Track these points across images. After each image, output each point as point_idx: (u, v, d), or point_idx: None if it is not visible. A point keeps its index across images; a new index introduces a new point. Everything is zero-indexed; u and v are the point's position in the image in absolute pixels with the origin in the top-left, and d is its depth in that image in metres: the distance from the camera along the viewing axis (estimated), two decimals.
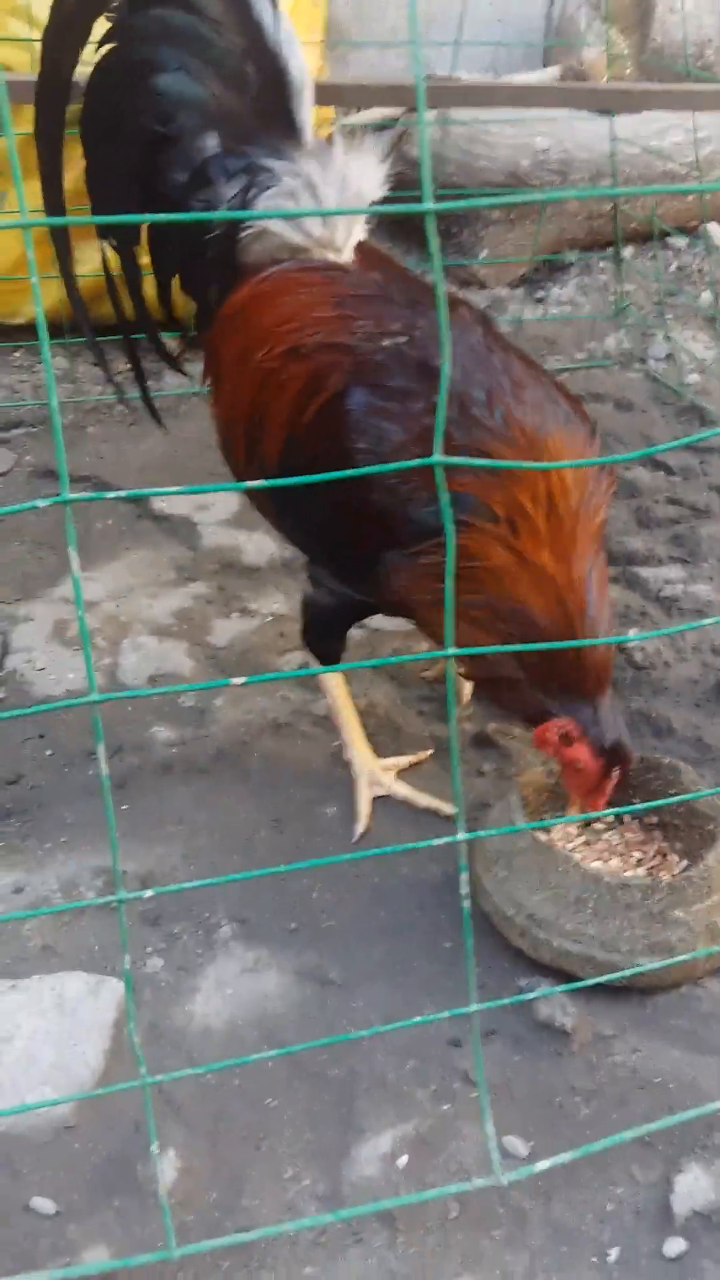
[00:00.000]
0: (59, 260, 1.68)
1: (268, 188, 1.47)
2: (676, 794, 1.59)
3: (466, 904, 1.12)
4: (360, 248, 1.55)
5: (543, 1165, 1.16)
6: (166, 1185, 1.18)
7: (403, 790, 1.70)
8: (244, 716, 1.85)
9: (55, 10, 1.50)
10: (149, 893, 1.02)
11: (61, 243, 1.66)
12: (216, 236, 1.51)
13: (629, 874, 1.53)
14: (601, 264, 3.47)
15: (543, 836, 1.48)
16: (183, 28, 1.47)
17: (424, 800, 1.69)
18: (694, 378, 3.11)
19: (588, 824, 1.60)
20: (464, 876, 1.12)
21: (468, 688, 1.91)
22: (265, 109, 1.50)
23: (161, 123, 1.51)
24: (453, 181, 3.18)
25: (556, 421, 1.43)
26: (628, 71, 3.37)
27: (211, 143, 1.51)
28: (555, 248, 3.40)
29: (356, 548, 1.48)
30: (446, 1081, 1.31)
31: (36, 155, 1.59)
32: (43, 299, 0.80)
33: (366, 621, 2.11)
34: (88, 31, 1.52)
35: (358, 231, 1.53)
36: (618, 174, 3.16)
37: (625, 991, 1.41)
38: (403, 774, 1.74)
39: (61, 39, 1.51)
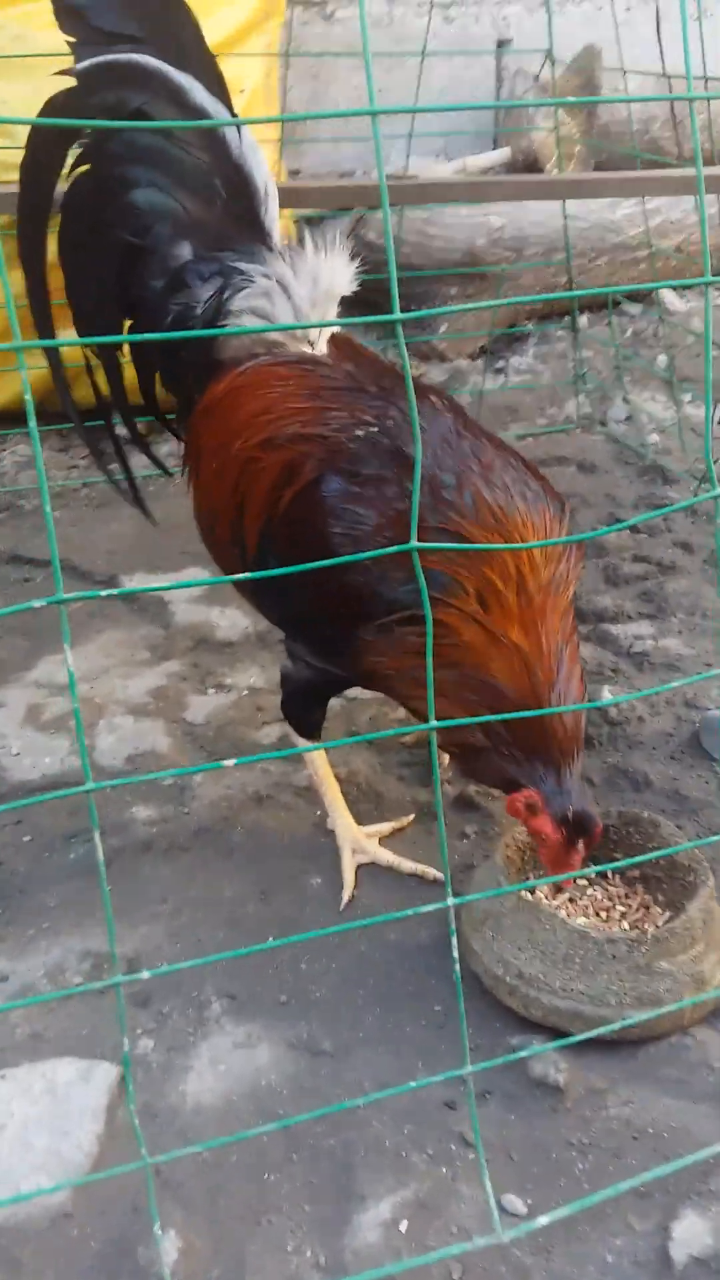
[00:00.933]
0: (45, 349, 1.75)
1: (242, 288, 1.54)
2: (656, 848, 1.62)
3: (457, 968, 1.14)
4: (333, 339, 1.62)
5: (542, 1220, 1.16)
6: (169, 1267, 1.17)
7: (387, 857, 1.71)
8: (224, 791, 1.87)
9: (31, 141, 1.57)
10: (145, 974, 1.03)
11: (45, 328, 1.71)
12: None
13: (614, 928, 1.55)
14: (559, 333, 3.59)
15: (528, 895, 1.50)
16: (151, 147, 1.56)
17: (409, 865, 1.71)
18: (654, 438, 3.20)
19: (570, 882, 1.62)
20: (454, 941, 1.14)
21: (446, 756, 1.94)
22: (234, 216, 1.58)
23: (136, 235, 1.59)
24: (410, 263, 3.29)
25: (525, 501, 1.48)
26: (576, 150, 3.52)
27: (185, 251, 1.59)
28: (512, 319, 3.51)
29: (332, 625, 1.52)
30: (443, 1144, 1.31)
31: (24, 273, 1.66)
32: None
33: (345, 691, 2.14)
34: (63, 158, 1.60)
35: (329, 330, 1.60)
36: (571, 248, 3.28)
37: (616, 1044, 1.42)
38: (386, 840, 1.76)
39: (38, 167, 1.59)
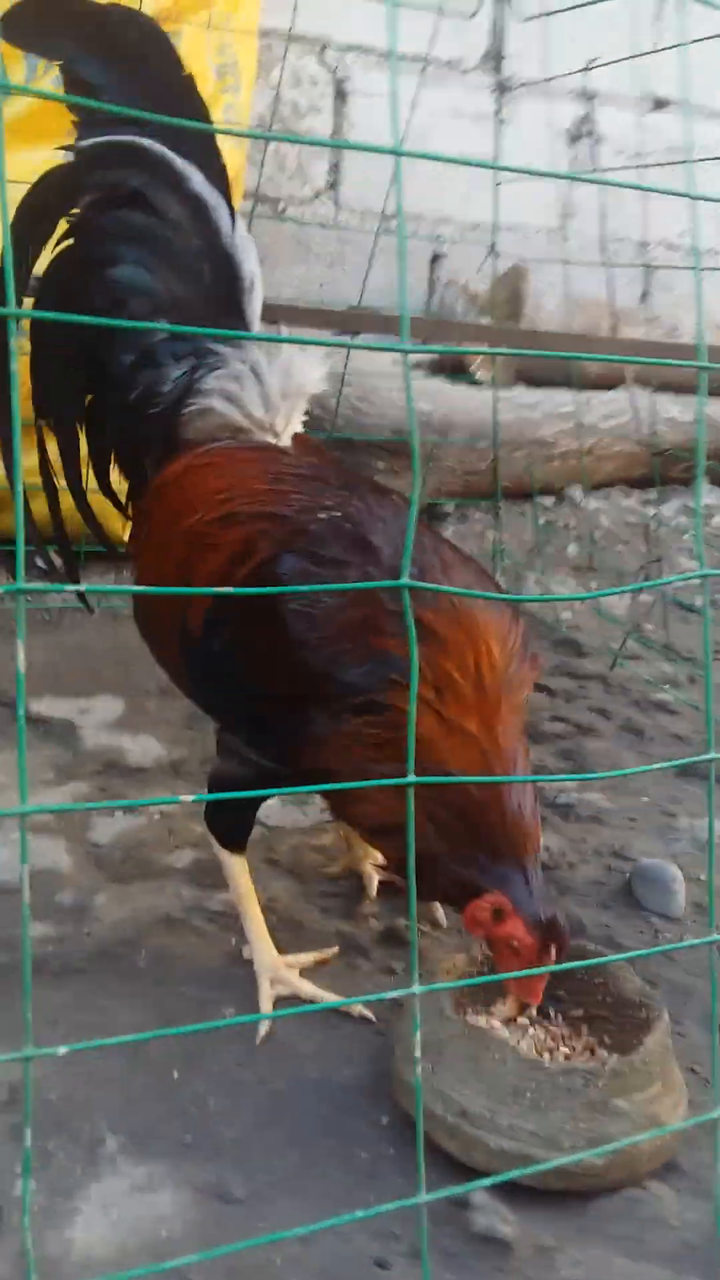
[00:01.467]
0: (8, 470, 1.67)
1: (215, 369, 1.52)
2: (603, 983, 1.51)
3: (419, 1071, 1.00)
4: (298, 438, 1.61)
5: None
6: None
7: (309, 989, 1.55)
8: (129, 914, 1.69)
9: (23, 206, 1.56)
10: (62, 1049, 0.86)
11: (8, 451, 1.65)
12: (159, 412, 1.54)
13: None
14: (476, 514, 3.70)
15: (477, 1021, 1.36)
16: (142, 228, 1.56)
17: (332, 999, 1.54)
18: (566, 615, 3.27)
19: (512, 1019, 1.48)
20: (416, 1038, 1.00)
21: (374, 883, 1.81)
22: (215, 302, 1.58)
23: (113, 309, 1.57)
24: (343, 433, 3.39)
25: (484, 602, 1.45)
26: (504, 358, 3.74)
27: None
28: (436, 493, 3.63)
29: (278, 709, 1.43)
30: None
31: None
32: None
33: (263, 817, 2.01)
34: (51, 231, 1.59)
35: (296, 421, 1.59)
36: (497, 437, 3.44)
37: (563, 1196, 1.26)
38: (308, 973, 1.60)
39: (22, 240, 1.57)
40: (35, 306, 1.60)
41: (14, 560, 2.01)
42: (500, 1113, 1.26)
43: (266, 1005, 1.51)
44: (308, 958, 1.62)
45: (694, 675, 2.88)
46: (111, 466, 1.72)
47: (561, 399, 3.67)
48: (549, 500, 3.83)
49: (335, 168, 3.89)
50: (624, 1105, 1.27)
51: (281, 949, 1.61)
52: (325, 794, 1.54)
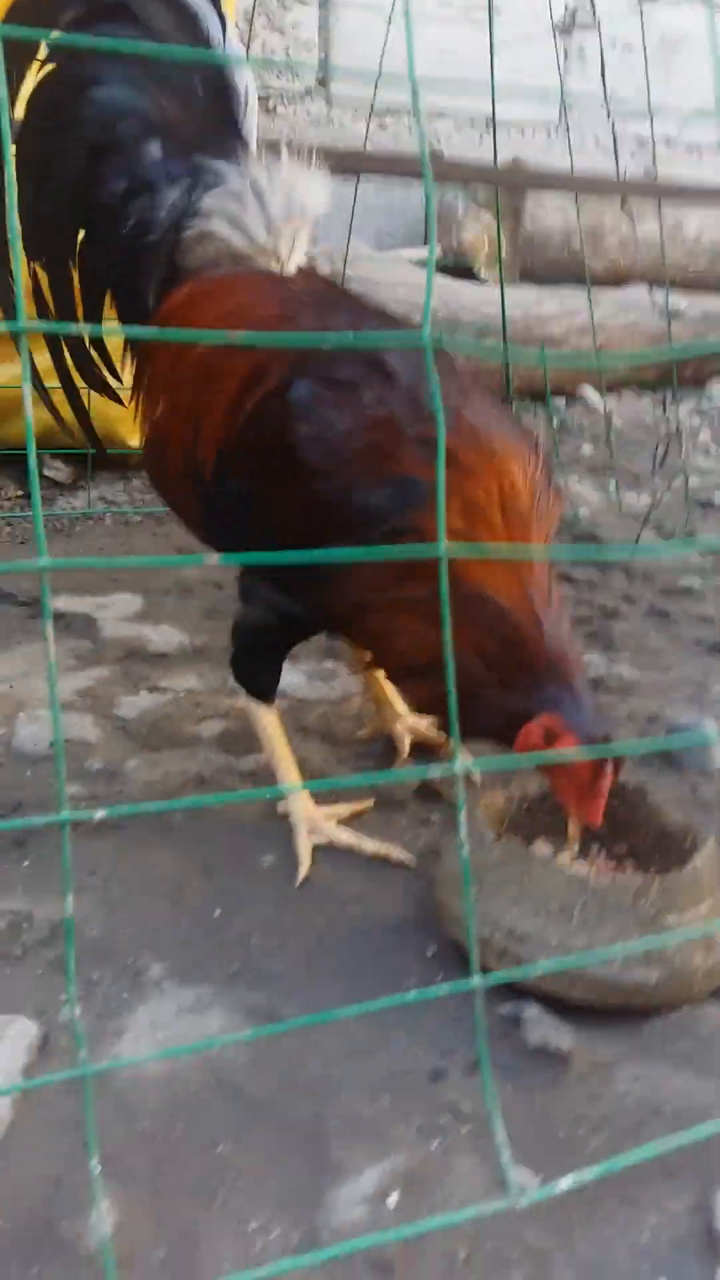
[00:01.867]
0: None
1: (213, 187, 1.45)
2: (646, 817, 1.48)
3: (465, 852, 0.97)
4: (302, 269, 1.55)
5: (564, 1183, 0.95)
6: (102, 1241, 0.92)
7: (346, 837, 1.53)
8: (160, 777, 1.67)
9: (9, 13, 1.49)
10: (99, 813, 0.83)
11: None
12: (155, 240, 1.48)
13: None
14: None
15: (518, 844, 1.33)
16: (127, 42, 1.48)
17: (371, 846, 1.52)
18: (584, 511, 3.22)
19: (570, 846, 1.45)
20: (462, 817, 0.97)
21: (406, 743, 1.78)
22: (211, 119, 1.51)
23: (102, 132, 1.50)
24: None
25: (503, 427, 1.41)
26: (505, 251, 3.66)
27: (154, 150, 1.50)
28: None
29: (298, 545, 1.38)
30: (431, 1117, 1.10)
31: None
32: None
33: (290, 690, 1.98)
34: (34, 52, 1.52)
35: (300, 248, 1.53)
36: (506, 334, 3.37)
37: (619, 1015, 1.25)
38: (343, 824, 1.58)
39: (6, 59, 1.51)
40: (20, 136, 1.53)
41: (22, 467, 1.96)
42: (549, 931, 1.24)
43: (305, 853, 1.49)
44: (343, 809, 1.59)
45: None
46: (108, 309, 1.65)
47: (569, 294, 3.60)
48: (560, 401, 3.77)
49: (325, 63, 3.79)
50: (676, 921, 1.25)
51: (316, 804, 1.59)
52: (356, 636, 1.50)
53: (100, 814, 0.84)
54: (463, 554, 1.31)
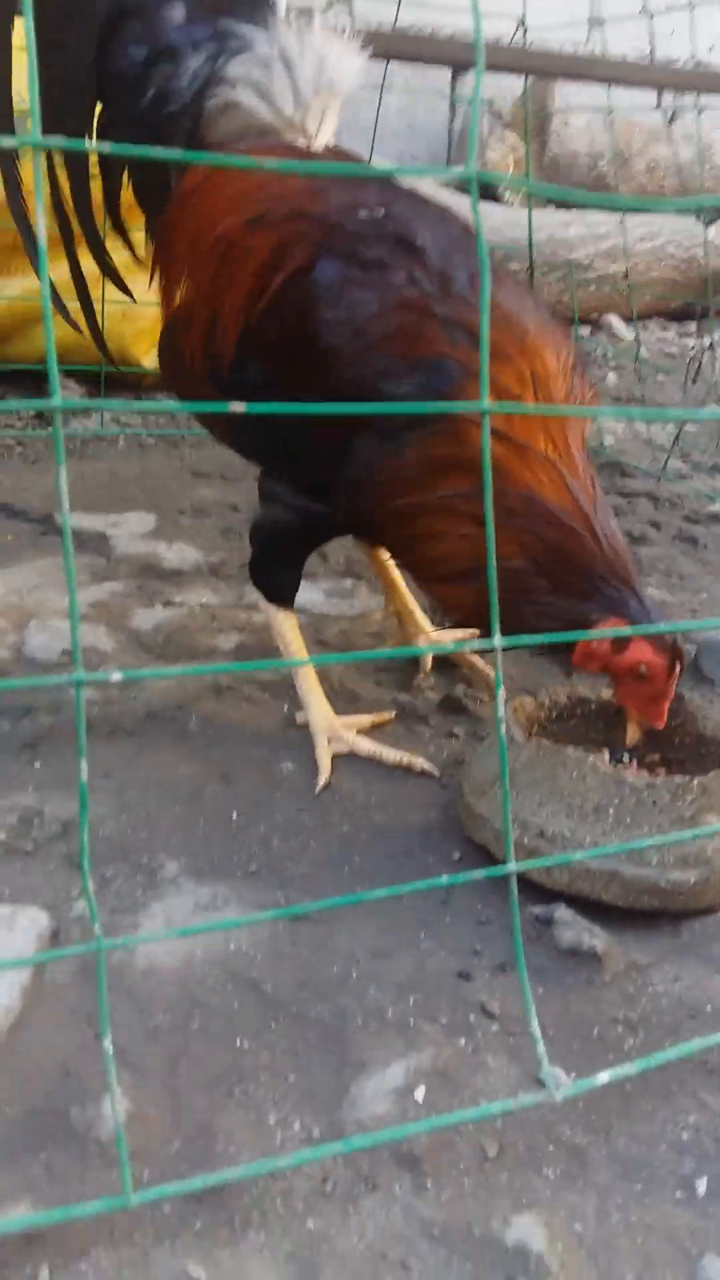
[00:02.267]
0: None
1: (239, 53, 1.36)
2: (680, 724, 1.42)
3: (502, 730, 0.91)
4: (330, 148, 1.46)
5: (603, 1077, 0.91)
6: (114, 1130, 0.88)
7: (367, 746, 1.47)
8: (175, 684, 1.61)
9: None
10: (115, 674, 0.78)
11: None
12: (177, 111, 1.39)
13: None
14: None
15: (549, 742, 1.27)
16: None
17: (393, 755, 1.47)
18: (609, 440, 3.13)
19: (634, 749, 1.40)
20: (499, 695, 0.91)
21: (428, 663, 1.72)
22: None
23: None
24: None
25: (534, 312, 1.33)
26: (531, 174, 3.54)
27: (176, 12, 1.40)
28: None
29: (322, 441, 1.31)
30: (459, 1015, 1.05)
31: None
32: None
33: (309, 607, 1.92)
34: None
35: (330, 126, 1.43)
36: (533, 258, 3.26)
37: (655, 919, 1.19)
38: (364, 735, 1.52)
39: None
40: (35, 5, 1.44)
41: (32, 386, 1.86)
42: (582, 832, 1.19)
43: (325, 761, 1.43)
44: (364, 719, 1.53)
45: None
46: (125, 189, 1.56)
47: (596, 219, 3.48)
48: (586, 330, 3.66)
49: None
50: (716, 821, 1.19)
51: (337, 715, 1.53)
52: (388, 542, 1.42)
53: (116, 676, 0.78)
54: (504, 410, 1.23)
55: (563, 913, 1.16)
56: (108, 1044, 0.79)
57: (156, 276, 1.48)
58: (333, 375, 1.27)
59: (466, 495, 1.25)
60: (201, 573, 2.08)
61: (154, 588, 1.98)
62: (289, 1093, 0.95)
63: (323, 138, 1.43)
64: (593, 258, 3.47)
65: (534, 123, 3.54)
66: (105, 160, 1.51)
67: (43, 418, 2.82)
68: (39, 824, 1.24)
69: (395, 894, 0.90)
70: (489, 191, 3.55)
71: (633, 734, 1.29)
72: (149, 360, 2.77)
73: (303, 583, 1.55)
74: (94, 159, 1.56)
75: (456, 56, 2.36)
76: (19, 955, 1.03)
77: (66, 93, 1.45)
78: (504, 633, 1.36)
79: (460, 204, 3.38)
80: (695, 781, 1.20)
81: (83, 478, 2.53)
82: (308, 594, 1.97)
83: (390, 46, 2.15)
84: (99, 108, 1.49)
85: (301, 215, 1.30)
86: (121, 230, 1.63)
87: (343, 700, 1.61)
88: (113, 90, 1.45)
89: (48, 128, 1.48)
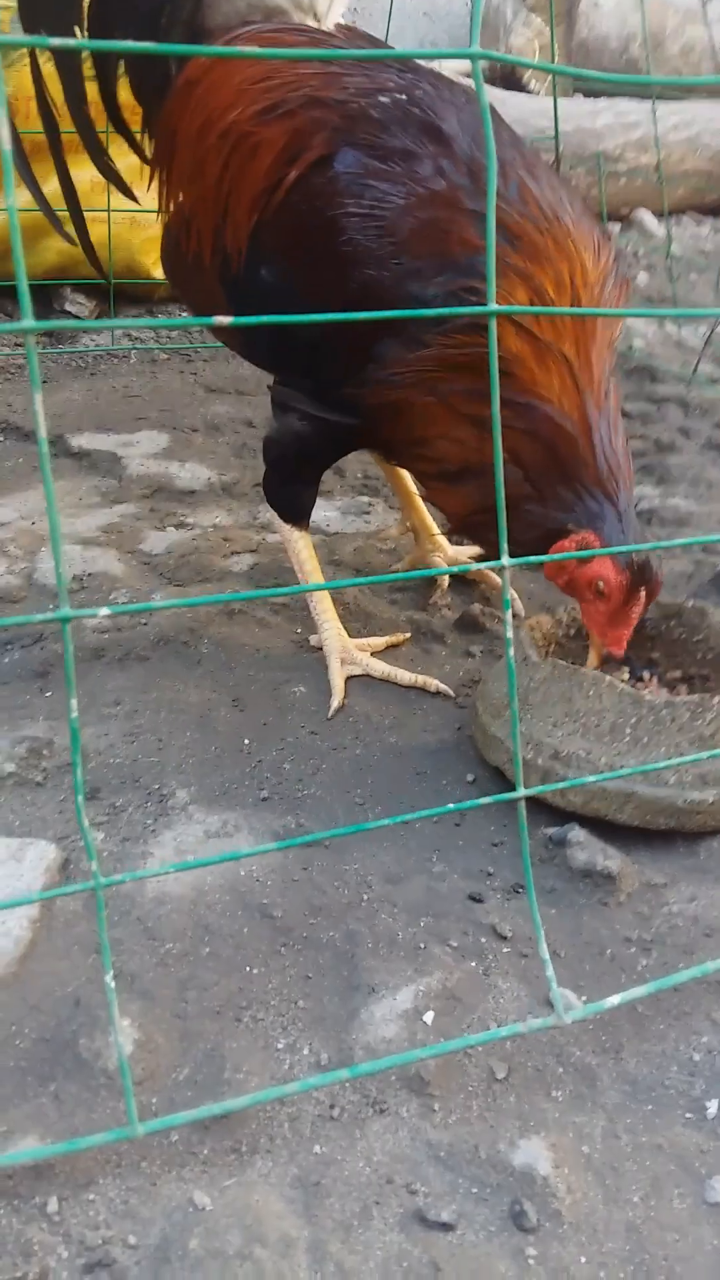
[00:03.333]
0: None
1: None
2: (702, 640, 1.38)
3: (509, 633, 0.88)
4: (343, 27, 1.36)
5: (613, 1000, 0.90)
6: (123, 1059, 0.88)
7: (381, 668, 1.45)
8: (187, 609, 1.59)
9: None
10: (102, 610, 0.76)
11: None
12: None
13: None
14: None
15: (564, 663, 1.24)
16: None
17: (407, 677, 1.44)
18: (639, 344, 3.02)
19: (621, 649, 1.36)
20: (508, 613, 0.88)
21: (444, 580, 1.69)
22: None
23: None
24: None
25: (572, 207, 1.25)
26: (557, 60, 3.36)
27: None
28: None
29: (342, 346, 1.25)
30: (471, 937, 1.04)
31: None
32: None
33: (324, 525, 1.89)
34: None
35: (340, 3, 1.34)
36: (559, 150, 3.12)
37: (670, 838, 1.17)
38: (379, 656, 1.50)
39: None
40: None
41: (39, 302, 1.79)
42: (598, 752, 1.16)
43: (338, 683, 1.41)
44: (379, 641, 1.51)
45: None
46: (121, 87, 1.47)
47: (626, 107, 3.31)
48: (615, 227, 3.51)
49: None
50: None
51: (351, 637, 1.51)
52: (393, 440, 1.38)
53: (104, 611, 0.76)
54: (517, 312, 1.18)
55: (576, 833, 1.14)
56: (109, 979, 0.79)
57: (157, 176, 1.41)
58: (356, 275, 1.21)
59: (467, 394, 1.20)
60: (215, 492, 2.04)
61: (166, 509, 1.95)
62: (298, 1018, 0.95)
63: (333, 17, 1.34)
64: (623, 149, 3.31)
65: (561, 4, 3.34)
66: (98, 56, 1.43)
67: (52, 335, 2.76)
68: (49, 754, 1.24)
69: (405, 821, 0.88)
70: (514, 80, 3.38)
71: (592, 659, 1.24)
72: (159, 270, 2.69)
73: (319, 500, 1.51)
74: (86, 55, 1.48)
75: None
76: (28, 887, 1.03)
77: None
78: (487, 538, 1.33)
79: (489, 92, 3.23)
80: (716, 699, 1.17)
81: (95, 396, 2.48)
82: (323, 512, 1.93)
83: None
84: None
85: (318, 102, 1.22)
86: (126, 132, 1.54)
87: (357, 621, 1.58)
88: None
89: (30, 20, 1.40)
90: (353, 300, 1.21)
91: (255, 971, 0.99)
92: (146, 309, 2.81)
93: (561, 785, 0.89)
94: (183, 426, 2.31)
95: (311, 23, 1.32)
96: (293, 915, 1.05)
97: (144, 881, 1.07)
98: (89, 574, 1.67)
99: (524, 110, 3.18)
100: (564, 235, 1.21)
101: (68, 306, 2.73)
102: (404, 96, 1.21)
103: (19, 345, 2.78)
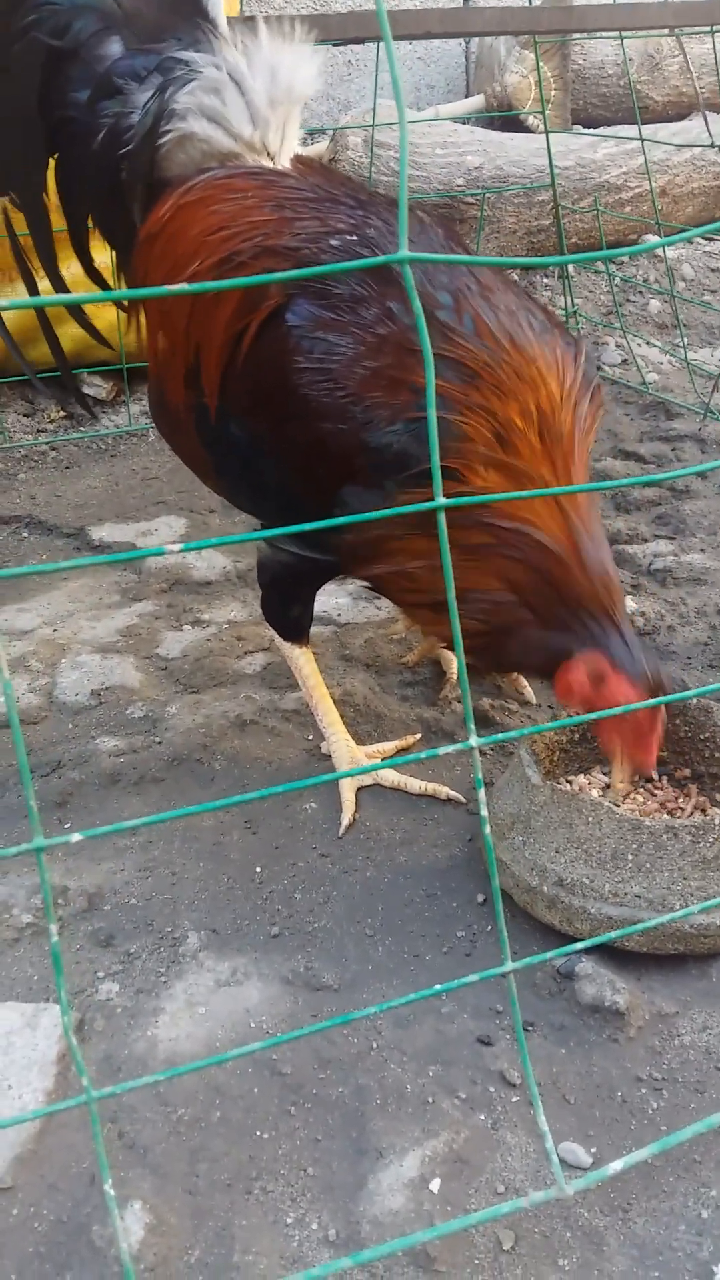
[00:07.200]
0: None
1: (187, 82, 1.29)
2: (709, 738, 1.37)
3: (486, 827, 0.89)
4: (298, 158, 1.38)
5: (615, 1167, 0.90)
6: (133, 1247, 0.90)
7: (392, 776, 1.46)
8: (202, 721, 1.62)
9: None
10: (75, 836, 0.78)
11: None
12: (132, 151, 1.33)
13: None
14: (544, 279, 3.39)
15: (566, 785, 1.24)
16: None
17: (417, 785, 1.45)
18: (653, 377, 2.99)
19: (627, 790, 1.36)
20: (481, 793, 0.88)
21: (454, 666, 1.69)
22: (172, 3, 1.35)
23: (54, 36, 1.34)
24: None
25: (533, 330, 1.25)
26: (553, 93, 3.34)
27: (114, 48, 1.34)
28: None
29: (308, 493, 1.27)
30: (479, 1086, 1.05)
31: None
32: None
33: (334, 614, 1.90)
34: None
35: (292, 137, 1.36)
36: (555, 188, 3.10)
37: (680, 962, 1.17)
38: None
39: None
40: None
41: (53, 389, 1.85)
42: (601, 878, 1.16)
43: (348, 798, 1.43)
44: (388, 746, 1.52)
45: None
46: (92, 238, 1.51)
47: (627, 133, 3.28)
48: (624, 255, 3.48)
49: None
50: None
51: (362, 740, 1.52)
52: (375, 580, 1.38)
53: (76, 837, 0.77)
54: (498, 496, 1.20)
55: (584, 965, 1.15)
56: (109, 1189, 0.81)
57: (134, 322, 1.44)
58: (314, 428, 1.22)
59: (454, 543, 1.20)
60: (230, 581, 2.07)
61: (184, 604, 1.98)
62: (307, 1188, 0.96)
63: (287, 152, 1.36)
64: (625, 176, 3.28)
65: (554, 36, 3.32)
66: (68, 211, 1.46)
67: (72, 418, 2.81)
68: (64, 902, 1.27)
69: (409, 1001, 0.90)
70: (513, 120, 3.37)
71: (618, 777, 1.23)
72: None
73: (329, 585, 1.52)
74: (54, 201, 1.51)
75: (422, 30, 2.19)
76: (44, 1055, 1.06)
77: (17, 146, 1.40)
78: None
79: (485, 137, 3.22)
80: (717, 821, 1.16)
81: (115, 481, 2.52)
82: (334, 599, 1.95)
83: (337, 29, 1.99)
84: (54, 159, 1.43)
85: (270, 252, 1.24)
86: (100, 282, 1.58)
87: (368, 723, 1.60)
88: (63, 137, 1.39)
89: (3, 183, 1.44)
90: (314, 452, 1.22)
91: (265, 1136, 1.01)
92: None
93: (551, 955, 0.89)
94: (199, 508, 2.34)
95: (266, 163, 1.33)
96: (302, 1070, 1.07)
97: (156, 1042, 1.10)
98: (106, 687, 1.70)
99: (524, 151, 3.17)
100: (525, 363, 1.21)
101: (86, 390, 2.78)
102: (354, 237, 1.23)
103: (40, 431, 2.84)
